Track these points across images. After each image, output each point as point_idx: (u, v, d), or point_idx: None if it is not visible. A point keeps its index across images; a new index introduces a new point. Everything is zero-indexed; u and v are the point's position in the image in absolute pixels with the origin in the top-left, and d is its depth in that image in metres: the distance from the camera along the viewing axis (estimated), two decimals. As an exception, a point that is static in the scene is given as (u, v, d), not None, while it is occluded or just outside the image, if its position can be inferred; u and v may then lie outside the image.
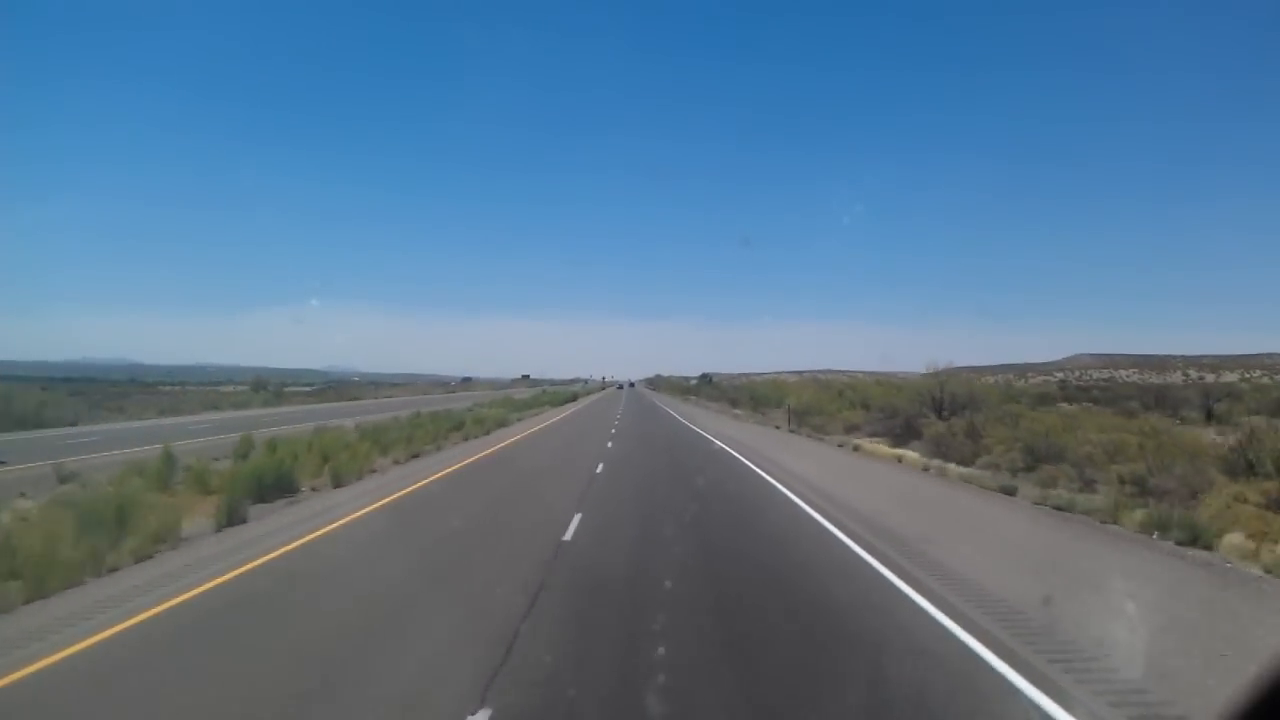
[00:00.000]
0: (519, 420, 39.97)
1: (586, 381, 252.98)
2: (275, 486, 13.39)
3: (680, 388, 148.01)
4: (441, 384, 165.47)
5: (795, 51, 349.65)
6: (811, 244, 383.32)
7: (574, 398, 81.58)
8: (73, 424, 37.95)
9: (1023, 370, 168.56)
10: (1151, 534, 10.07)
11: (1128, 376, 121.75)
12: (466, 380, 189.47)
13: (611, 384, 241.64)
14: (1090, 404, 44.25)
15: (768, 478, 16.56)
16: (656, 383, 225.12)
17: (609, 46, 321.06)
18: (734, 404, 67.88)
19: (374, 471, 17.69)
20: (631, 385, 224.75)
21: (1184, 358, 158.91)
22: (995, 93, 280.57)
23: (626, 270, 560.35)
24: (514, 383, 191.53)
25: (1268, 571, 8.08)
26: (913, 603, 7.01)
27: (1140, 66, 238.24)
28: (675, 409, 57.44)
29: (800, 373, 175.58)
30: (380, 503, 13.06)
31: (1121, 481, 13.60)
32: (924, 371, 32.69)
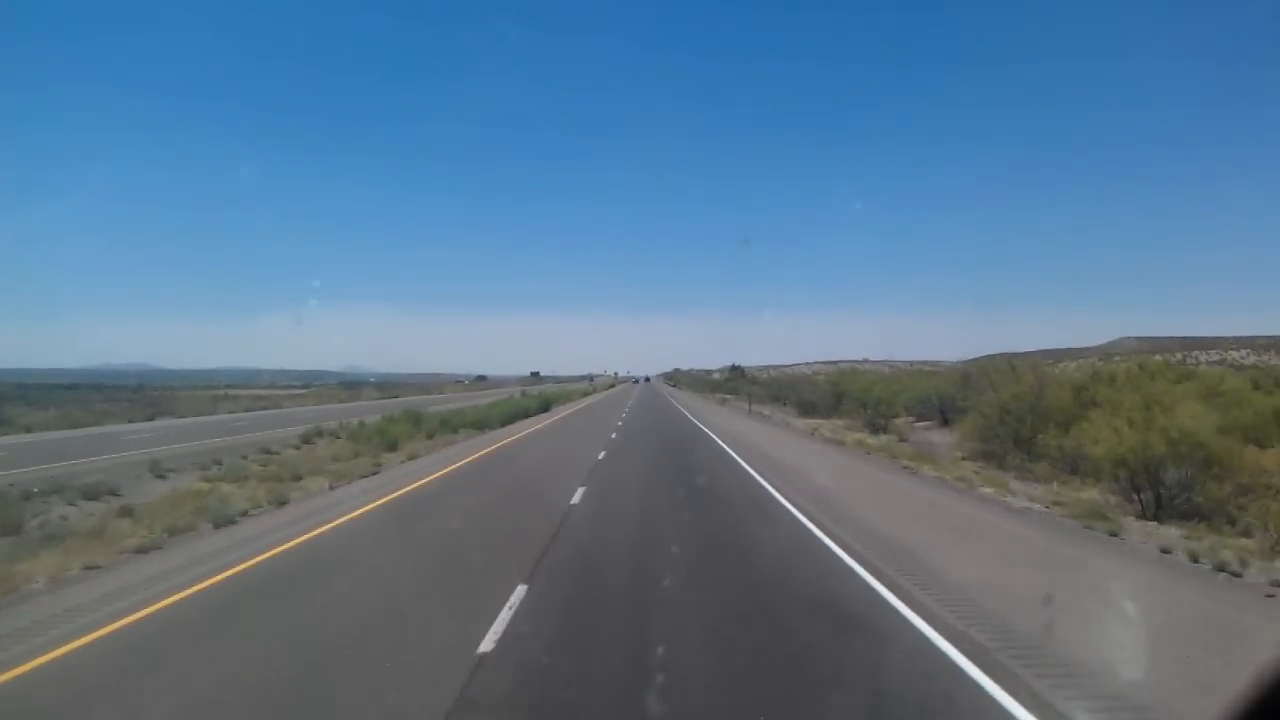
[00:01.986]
0: (312, 495, 12.28)
1: (592, 379, 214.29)
2: None
3: (704, 383, 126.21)
4: (457, 382, 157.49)
5: (790, 48, 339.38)
6: (825, 235, 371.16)
7: (546, 407, 49.61)
8: None
9: (1064, 355, 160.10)
10: None
11: (1242, 358, 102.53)
12: (480, 378, 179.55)
13: (625, 380, 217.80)
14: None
15: None
16: (675, 377, 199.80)
17: (611, 44, 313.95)
18: (808, 410, 41.19)
19: None
20: (647, 380, 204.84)
21: (1236, 339, 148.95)
22: (1016, 80, 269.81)
23: (639, 266, 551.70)
24: (523, 380, 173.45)
25: None
26: None
27: (1169, 50, 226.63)
28: (724, 427, 30.37)
29: (836, 363, 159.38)
30: None
31: None
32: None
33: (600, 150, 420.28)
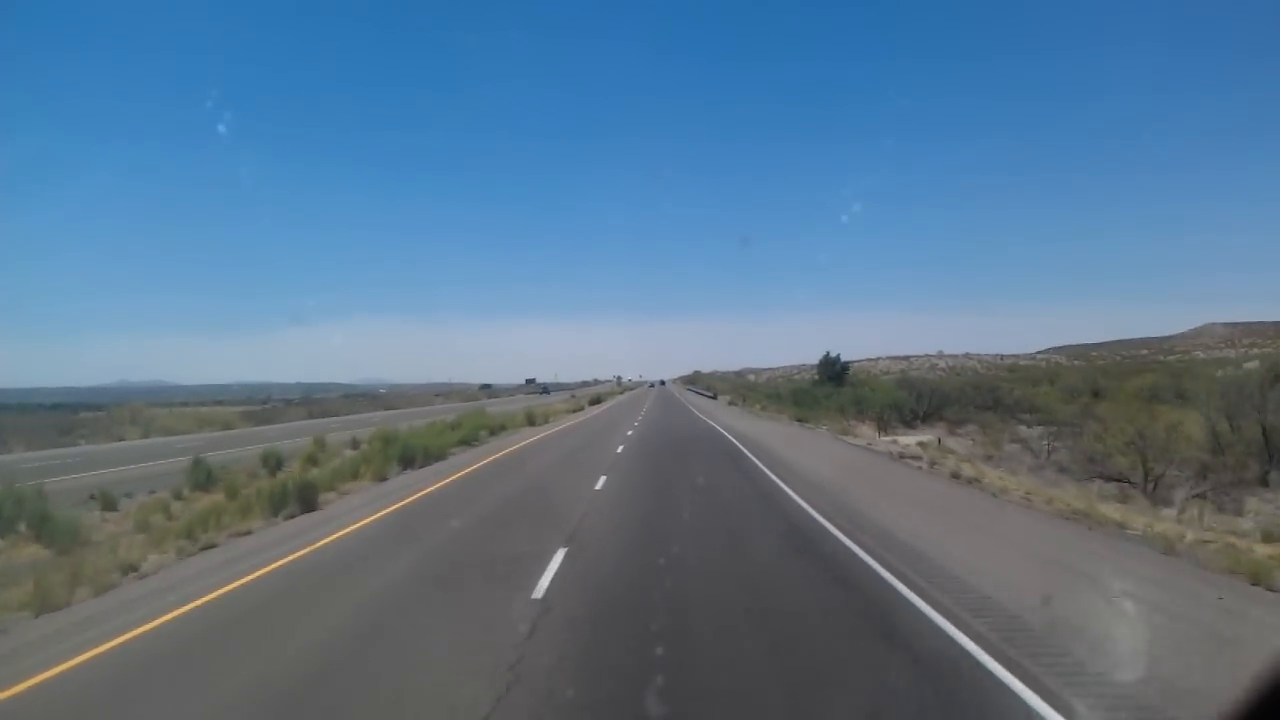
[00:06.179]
0: None
1: (547, 389, 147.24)
2: None
3: (745, 388, 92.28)
4: (461, 392, 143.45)
5: (785, 45, 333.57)
6: (858, 234, 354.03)
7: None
8: None
9: (1146, 346, 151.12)
10: None
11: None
12: (486, 387, 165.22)
13: (638, 385, 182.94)
14: None
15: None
16: (697, 380, 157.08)
17: (616, 48, 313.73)
18: None
19: None
20: (663, 384, 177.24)
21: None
22: (1086, 68, 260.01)
23: (647, 269, 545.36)
24: (519, 389, 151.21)
25: None
26: None
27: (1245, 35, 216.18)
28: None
29: (906, 358, 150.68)
30: None
31: None
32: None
33: (603, 154, 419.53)
